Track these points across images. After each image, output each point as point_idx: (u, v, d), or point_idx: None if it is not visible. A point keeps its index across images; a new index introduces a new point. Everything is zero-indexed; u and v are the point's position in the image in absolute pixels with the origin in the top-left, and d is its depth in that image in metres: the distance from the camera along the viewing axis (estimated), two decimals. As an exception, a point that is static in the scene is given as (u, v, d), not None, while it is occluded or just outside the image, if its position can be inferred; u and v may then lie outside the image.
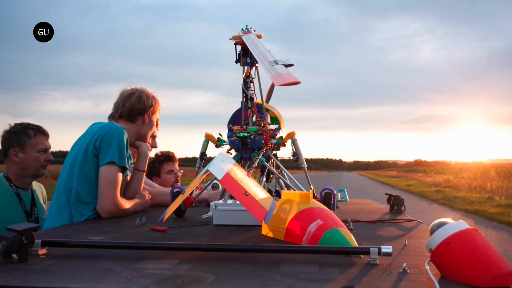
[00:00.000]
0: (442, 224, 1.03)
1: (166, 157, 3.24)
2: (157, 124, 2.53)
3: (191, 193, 2.10)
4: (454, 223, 1.00)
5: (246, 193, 1.32)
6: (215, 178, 2.10)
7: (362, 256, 1.16)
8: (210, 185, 2.47)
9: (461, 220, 1.01)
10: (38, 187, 2.50)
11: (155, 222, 1.82)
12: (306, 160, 2.12)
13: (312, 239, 1.30)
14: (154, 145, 2.59)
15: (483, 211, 12.78)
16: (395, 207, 2.17)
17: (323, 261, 1.12)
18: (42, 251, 1.21)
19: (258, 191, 1.40)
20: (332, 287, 0.91)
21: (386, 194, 2.27)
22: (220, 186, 2.71)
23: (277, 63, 1.30)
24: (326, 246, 1.16)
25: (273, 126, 2.19)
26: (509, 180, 24.28)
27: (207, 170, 1.29)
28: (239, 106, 2.06)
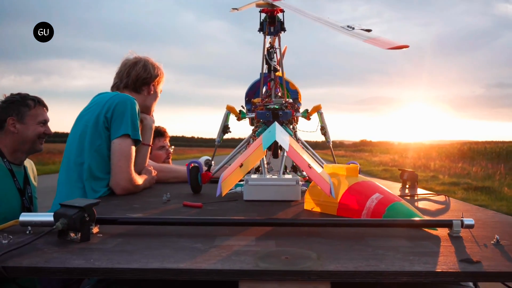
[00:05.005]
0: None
1: (157, 133, 3.07)
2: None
3: (209, 168, 2.00)
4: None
5: (310, 166, 1.25)
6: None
7: (438, 229, 1.14)
8: (203, 161, 2.36)
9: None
10: (28, 164, 2.28)
11: (179, 198, 1.72)
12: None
13: (374, 213, 1.27)
14: None
15: (429, 188, 13.48)
16: (409, 182, 2.18)
17: (402, 235, 1.09)
18: (96, 229, 1.09)
19: (315, 165, 1.34)
20: (448, 261, 0.87)
21: (399, 169, 2.29)
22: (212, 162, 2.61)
23: (353, 28, 1.23)
24: (412, 219, 1.12)
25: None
26: (450, 160, 25.77)
27: (273, 140, 1.20)
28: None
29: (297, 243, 1.00)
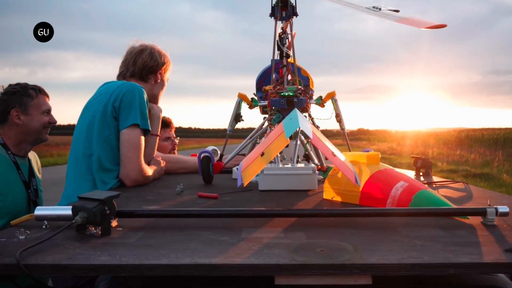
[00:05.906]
0: None
1: (163, 123, 3.00)
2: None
3: (221, 158, 1.96)
4: None
5: (334, 154, 1.20)
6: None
7: (469, 217, 1.10)
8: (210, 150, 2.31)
9: None
10: (32, 156, 2.22)
11: (192, 189, 1.67)
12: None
13: (400, 202, 1.22)
14: None
15: (430, 176, 13.50)
16: (423, 170, 2.14)
17: (433, 224, 1.05)
18: (114, 223, 1.04)
19: (338, 152, 1.29)
20: (493, 251, 0.83)
21: (412, 156, 2.24)
22: (218, 151, 2.56)
23: (380, 9, 1.17)
24: (448, 207, 1.08)
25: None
26: (447, 148, 25.78)
27: (296, 128, 1.15)
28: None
29: (327, 235, 0.96)
